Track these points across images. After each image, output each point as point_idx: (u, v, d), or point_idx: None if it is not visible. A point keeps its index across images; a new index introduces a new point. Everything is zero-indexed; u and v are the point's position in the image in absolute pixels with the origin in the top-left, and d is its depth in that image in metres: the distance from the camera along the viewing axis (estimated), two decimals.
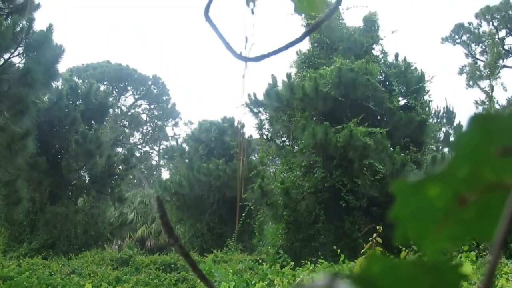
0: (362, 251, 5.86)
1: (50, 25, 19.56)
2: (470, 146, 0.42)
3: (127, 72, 58.98)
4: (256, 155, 31.54)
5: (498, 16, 43.02)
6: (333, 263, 13.33)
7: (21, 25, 18.16)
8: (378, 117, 20.97)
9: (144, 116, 62.92)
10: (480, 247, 12.42)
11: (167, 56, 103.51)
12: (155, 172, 56.59)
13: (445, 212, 0.46)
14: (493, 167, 0.44)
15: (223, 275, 14.35)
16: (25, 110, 17.97)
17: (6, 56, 18.12)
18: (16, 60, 18.64)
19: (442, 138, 35.92)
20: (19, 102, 17.56)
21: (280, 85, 21.79)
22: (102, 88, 37.46)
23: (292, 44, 2.49)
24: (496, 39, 43.48)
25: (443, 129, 39.58)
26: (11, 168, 19.15)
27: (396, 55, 23.07)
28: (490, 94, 42.69)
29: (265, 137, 22.78)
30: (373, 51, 23.12)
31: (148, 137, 62.45)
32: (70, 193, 26.07)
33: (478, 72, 44.99)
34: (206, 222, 29.79)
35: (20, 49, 18.48)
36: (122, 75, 58.37)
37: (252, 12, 2.43)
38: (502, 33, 43.75)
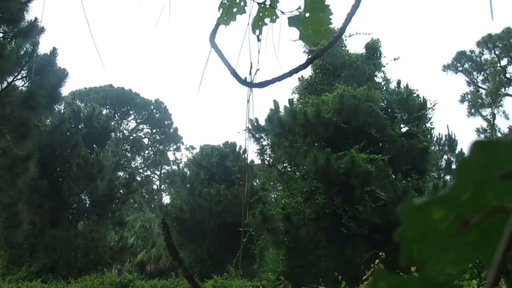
0: (363, 278, 5.84)
1: (54, 49, 19.70)
2: (472, 170, 0.44)
3: (130, 96, 59.21)
4: (257, 181, 31.55)
5: (500, 45, 43.25)
6: None
7: (25, 48, 18.27)
8: (380, 144, 20.97)
9: (146, 141, 63.07)
10: (482, 275, 12.35)
11: (170, 81, 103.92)
12: (156, 197, 56.50)
13: (449, 234, 0.47)
14: (495, 191, 0.46)
15: None
16: (27, 133, 17.99)
17: (10, 79, 18.20)
18: (19, 83, 18.73)
19: (444, 166, 35.87)
20: (21, 125, 17.58)
21: (282, 111, 21.86)
22: (104, 112, 37.56)
23: (296, 70, 2.53)
24: (498, 68, 43.66)
25: (445, 156, 39.51)
26: (12, 191, 19.12)
27: (398, 82, 23.15)
28: (492, 122, 42.77)
29: (266, 162, 22.78)
30: (375, 78, 23.23)
31: (149, 161, 62.51)
32: (70, 217, 26.02)
33: (480, 100, 45.12)
34: (207, 247, 29.68)
35: (23, 72, 18.57)
36: (125, 99, 58.59)
37: (258, 39, 2.47)
38: (504, 61, 43.97)
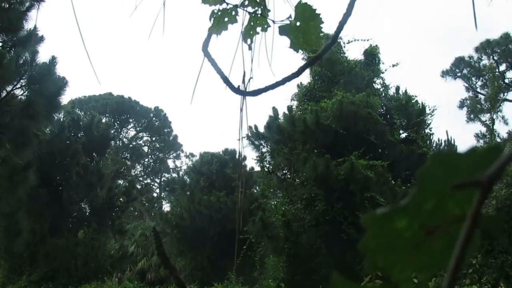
0: (362, 284, 5.85)
1: (53, 58, 19.69)
2: (432, 181, 0.45)
3: (129, 105, 59.23)
4: (257, 188, 31.51)
5: (499, 50, 43.32)
6: None
7: (24, 57, 18.30)
8: (379, 150, 20.98)
9: (145, 149, 63.05)
10: (482, 280, 12.35)
11: (169, 88, 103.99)
12: (156, 205, 56.42)
13: (413, 242, 0.48)
14: (456, 200, 0.47)
15: None
16: (27, 142, 18.00)
17: (9, 88, 18.22)
18: (18, 92, 18.74)
19: None
20: (21, 134, 17.59)
21: (281, 118, 21.89)
22: (104, 120, 37.62)
23: (289, 79, 2.54)
24: (497, 73, 43.73)
25: None
26: (12, 200, 19.12)
27: (397, 88, 23.21)
28: (491, 127, 42.77)
29: (266, 169, 22.79)
30: (374, 84, 23.27)
31: (149, 169, 62.46)
32: (70, 225, 25.99)
33: (479, 106, 45.18)
34: (207, 255, 29.64)
35: (22, 81, 18.58)
36: (124, 107, 58.61)
37: (250, 48, 2.48)
38: (503, 67, 44.03)
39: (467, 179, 0.43)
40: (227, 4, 2.27)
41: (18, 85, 18.50)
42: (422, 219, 0.48)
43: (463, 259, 0.42)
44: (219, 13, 2.26)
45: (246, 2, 2.27)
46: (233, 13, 2.28)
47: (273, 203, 25.23)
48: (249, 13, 2.30)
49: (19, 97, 18.80)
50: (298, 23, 2.21)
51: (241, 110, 2.48)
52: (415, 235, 0.49)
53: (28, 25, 18.87)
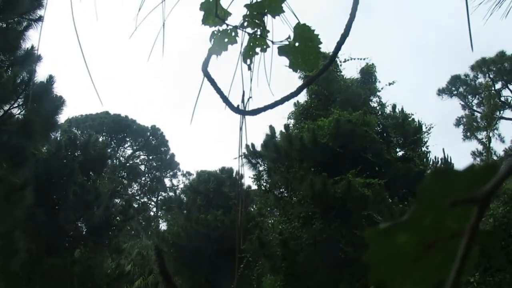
0: None
1: (51, 77, 19.71)
2: (431, 197, 0.48)
3: (126, 123, 59.28)
4: (254, 206, 31.48)
5: (494, 68, 43.54)
6: None
7: (21, 76, 18.33)
8: (376, 168, 21.00)
9: (142, 167, 63.01)
10: None
11: (166, 107, 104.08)
12: (153, 223, 56.22)
13: (413, 257, 0.51)
14: (455, 216, 0.50)
15: None
16: (24, 161, 17.98)
17: (6, 107, 18.23)
18: (15, 111, 18.74)
19: None
20: (18, 153, 17.58)
21: (278, 136, 21.92)
22: (100, 139, 37.66)
23: (287, 98, 2.57)
24: (493, 91, 43.91)
25: None
26: (8, 219, 19.05)
27: (394, 107, 23.27)
28: (488, 145, 42.86)
29: (263, 188, 22.78)
30: (370, 102, 23.34)
31: (146, 188, 62.37)
32: (67, 244, 25.85)
33: (475, 124, 45.33)
34: (204, 274, 29.52)
35: (20, 100, 18.60)
36: (121, 126, 58.66)
37: (249, 68, 2.52)
38: (499, 85, 44.24)
39: (465, 195, 0.46)
40: (227, 25, 2.31)
41: (16, 104, 18.51)
42: (421, 234, 0.51)
43: (462, 273, 0.44)
44: (219, 34, 2.30)
45: (246, 23, 2.31)
46: (233, 34, 2.31)
47: (270, 221, 25.20)
48: (249, 34, 2.33)
49: (16, 116, 18.81)
50: (297, 44, 2.24)
51: (241, 129, 2.51)
52: (415, 250, 0.51)
53: (26, 45, 18.94)
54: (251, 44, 2.34)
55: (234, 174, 32.95)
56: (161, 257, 1.22)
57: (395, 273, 0.52)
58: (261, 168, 22.84)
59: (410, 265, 0.52)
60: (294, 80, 23.37)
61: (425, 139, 22.64)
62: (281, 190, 22.52)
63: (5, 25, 18.96)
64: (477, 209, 0.45)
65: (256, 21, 2.29)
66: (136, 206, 53.03)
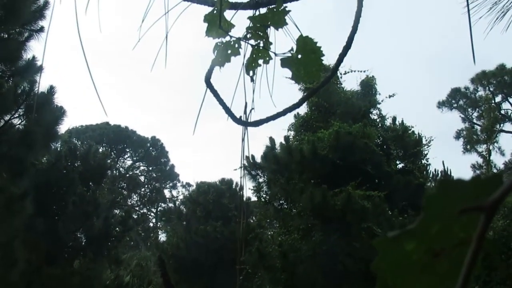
0: None
1: (52, 87, 19.73)
2: (438, 206, 0.49)
3: (126, 134, 59.33)
4: (254, 218, 31.44)
5: (494, 82, 43.63)
6: None
7: (22, 87, 18.36)
8: (376, 180, 20.98)
9: (142, 178, 62.98)
10: None
11: (167, 118, 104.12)
12: (152, 234, 56.11)
13: (421, 264, 0.52)
14: (461, 225, 0.51)
15: None
16: (24, 172, 17.99)
17: (7, 117, 18.25)
18: (16, 121, 18.75)
19: None
20: (18, 163, 17.59)
21: (278, 148, 21.92)
22: (100, 149, 37.67)
23: (290, 109, 2.59)
24: (493, 104, 43.97)
25: None
26: (8, 229, 19.02)
27: (394, 119, 23.29)
28: (488, 158, 42.86)
29: (263, 199, 22.76)
30: (370, 114, 23.36)
31: (145, 199, 62.30)
32: (66, 255, 25.79)
33: (475, 137, 45.35)
34: (204, 285, 29.44)
35: (20, 111, 18.61)
36: (121, 137, 58.71)
37: (252, 80, 2.53)
38: (499, 98, 44.31)
39: (472, 204, 0.47)
40: (231, 37, 2.32)
41: (16, 115, 18.53)
42: (429, 243, 0.52)
43: (469, 280, 0.45)
44: (222, 45, 2.32)
45: (249, 35, 2.33)
46: (236, 45, 2.33)
47: (269, 233, 25.17)
48: (252, 45, 2.35)
49: (17, 126, 18.82)
50: (299, 56, 2.26)
51: (243, 140, 2.53)
52: (423, 257, 0.52)
53: (27, 55, 18.98)
54: (254, 56, 2.36)
55: (233, 185, 32.96)
56: (164, 266, 1.22)
57: (403, 280, 0.53)
58: (260, 180, 22.83)
59: (418, 273, 0.53)
60: (296, 91, 23.44)
61: (425, 152, 22.67)
62: (280, 201, 22.50)
63: (6, 36, 19.02)
64: (484, 217, 0.46)
65: (259, 33, 2.31)
66: (135, 217, 52.93)
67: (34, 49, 19.40)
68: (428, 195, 0.49)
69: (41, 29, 19.30)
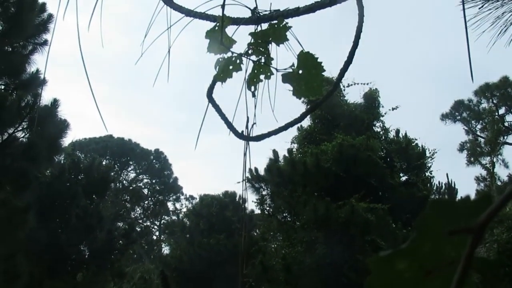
0: None
1: (55, 100, 19.80)
2: (430, 226, 0.50)
3: (130, 147, 59.37)
4: (257, 231, 31.39)
5: (498, 94, 43.62)
6: None
7: (26, 100, 18.42)
8: (380, 193, 20.96)
9: (145, 191, 62.96)
10: None
11: (170, 131, 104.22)
12: (155, 247, 56.10)
13: (413, 283, 0.53)
14: (452, 244, 0.52)
15: None
16: (27, 185, 18.01)
17: (11, 130, 18.29)
18: (19, 134, 18.80)
19: None
20: (21, 176, 17.62)
21: (281, 161, 21.92)
22: (104, 162, 37.67)
23: (291, 124, 2.61)
24: (496, 116, 43.95)
25: None
26: (11, 243, 19.01)
27: (397, 131, 23.30)
28: (492, 170, 42.81)
29: (266, 212, 22.74)
30: (374, 127, 23.36)
31: (149, 211, 62.25)
32: (69, 268, 25.76)
33: (479, 149, 45.28)
34: None
35: (24, 124, 18.66)
36: (125, 149, 58.74)
37: (253, 95, 2.55)
38: (502, 110, 44.28)
39: (461, 225, 0.48)
40: (232, 53, 2.34)
41: (20, 128, 18.57)
42: (421, 261, 0.53)
43: None
44: (224, 61, 2.34)
45: (250, 51, 2.35)
46: (238, 61, 2.35)
47: (273, 246, 25.13)
48: (253, 61, 2.37)
49: (21, 139, 18.87)
50: (300, 71, 2.28)
51: (245, 154, 2.54)
52: (415, 276, 0.53)
53: (31, 68, 19.06)
54: (256, 71, 2.37)
55: (237, 198, 32.93)
56: (167, 282, 1.23)
57: None
58: (264, 193, 22.82)
59: None
60: (298, 105, 23.47)
61: (429, 164, 22.66)
62: (284, 214, 22.47)
63: (10, 49, 19.11)
64: (471, 239, 0.47)
65: (261, 49, 2.33)
66: (138, 229, 52.91)
67: (38, 62, 19.48)
68: (420, 215, 0.50)
69: (45, 42, 19.40)
